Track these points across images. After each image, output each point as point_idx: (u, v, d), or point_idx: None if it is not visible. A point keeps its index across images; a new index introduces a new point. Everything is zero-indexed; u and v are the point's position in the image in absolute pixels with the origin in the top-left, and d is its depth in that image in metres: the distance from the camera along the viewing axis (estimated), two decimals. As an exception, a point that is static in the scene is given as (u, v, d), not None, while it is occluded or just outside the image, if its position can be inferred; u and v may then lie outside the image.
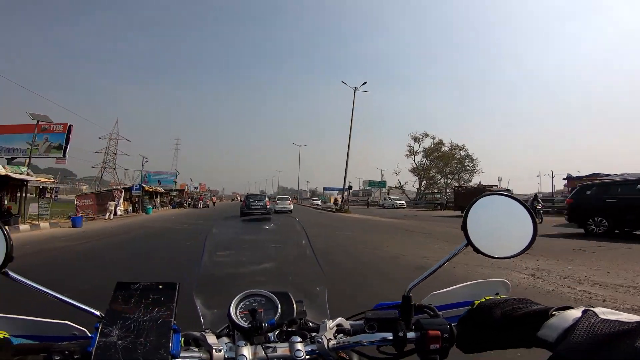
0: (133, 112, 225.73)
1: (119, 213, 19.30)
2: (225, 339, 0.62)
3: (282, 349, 0.60)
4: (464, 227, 0.64)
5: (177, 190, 39.14)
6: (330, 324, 0.61)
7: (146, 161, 41.24)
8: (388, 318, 0.61)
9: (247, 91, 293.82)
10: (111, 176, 56.30)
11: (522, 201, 0.64)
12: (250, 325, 0.63)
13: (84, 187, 45.72)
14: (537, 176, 42.89)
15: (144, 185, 24.50)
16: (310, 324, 0.70)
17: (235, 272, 0.89)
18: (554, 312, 0.47)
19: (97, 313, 0.59)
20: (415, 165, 47.00)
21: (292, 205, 24.68)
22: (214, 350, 0.57)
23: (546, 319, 0.47)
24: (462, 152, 45.67)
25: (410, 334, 0.57)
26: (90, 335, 0.59)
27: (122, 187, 23.39)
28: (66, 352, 0.55)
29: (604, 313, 0.44)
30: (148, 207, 22.90)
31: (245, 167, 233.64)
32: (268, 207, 18.23)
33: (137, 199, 22.48)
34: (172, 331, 0.54)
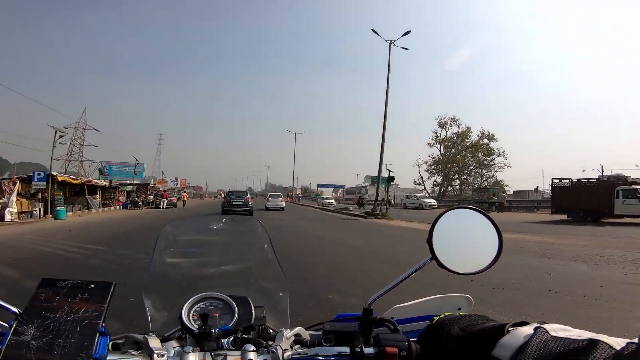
0: (116, 107, 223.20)
1: (8, 217, 13.38)
2: (174, 343, 0.61)
3: (233, 357, 0.58)
4: (429, 241, 0.65)
5: (137, 184, 32.52)
6: (288, 333, 0.61)
7: (137, 163, 38.19)
8: (347, 331, 0.60)
9: (236, 85, 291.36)
10: (77, 169, 52.91)
11: (489, 215, 0.66)
12: (198, 330, 0.61)
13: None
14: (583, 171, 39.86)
15: (55, 174, 18.09)
16: (271, 330, 0.69)
17: (192, 273, 0.87)
18: (509, 328, 0.49)
19: (15, 310, 0.56)
20: (437, 156, 42.71)
21: (284, 203, 25.20)
22: (155, 355, 0.55)
23: (501, 336, 0.49)
24: (490, 144, 40.88)
25: (368, 350, 0.57)
26: (1, 332, 0.55)
27: (16, 177, 16.87)
28: None
29: (555, 330, 0.46)
30: (59, 209, 16.10)
31: (234, 164, 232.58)
32: (250, 203, 18.16)
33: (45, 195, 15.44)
34: (99, 333, 0.52)
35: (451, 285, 3.32)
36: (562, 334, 0.45)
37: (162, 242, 0.86)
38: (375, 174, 27.40)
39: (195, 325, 0.63)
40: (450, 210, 0.67)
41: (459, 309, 0.70)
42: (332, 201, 32.33)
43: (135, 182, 31.70)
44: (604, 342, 0.42)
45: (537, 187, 33.79)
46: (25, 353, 0.50)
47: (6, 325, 0.57)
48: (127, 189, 28.88)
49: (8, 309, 0.57)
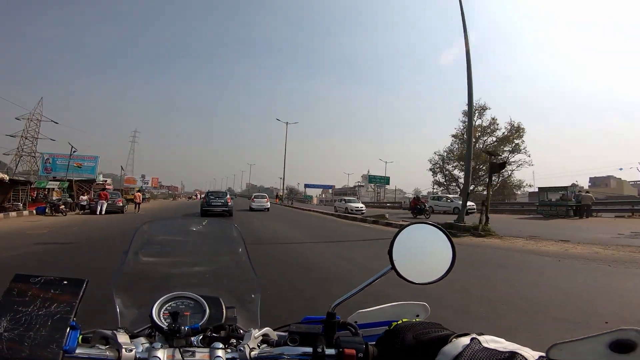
0: (89, 103, 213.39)
1: None
2: (142, 339, 0.64)
3: (202, 354, 0.62)
4: (389, 252, 0.72)
5: (79, 181, 26.17)
6: (256, 333, 0.66)
7: (74, 151, 30.82)
8: (311, 333, 0.66)
9: (217, 82, 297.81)
10: (29, 165, 47.19)
11: (445, 230, 0.74)
12: (168, 327, 0.65)
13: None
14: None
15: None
16: (241, 331, 0.73)
17: (165, 272, 0.91)
18: (453, 339, 0.55)
19: None
20: (459, 150, 36.22)
21: (269, 204, 25.47)
22: (123, 350, 0.59)
23: (445, 344, 0.54)
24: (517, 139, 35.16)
25: (330, 351, 0.62)
26: None
27: None
28: None
29: (487, 341, 0.52)
30: None
31: (213, 164, 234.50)
32: (229, 204, 18.41)
33: None
34: (69, 327, 0.55)
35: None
36: (492, 345, 0.51)
37: (137, 240, 0.89)
38: (372, 173, 26.02)
39: (165, 323, 0.67)
40: (410, 225, 0.75)
41: (417, 315, 0.77)
42: (362, 206, 24.85)
43: (80, 177, 27.52)
44: (521, 355, 0.47)
45: (575, 182, 30.19)
46: None
47: None
48: (50, 186, 22.20)
49: None
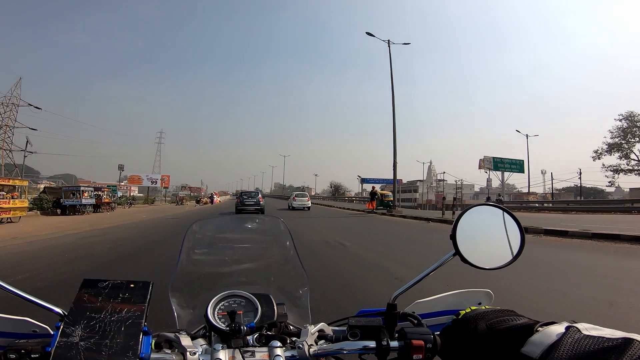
0: (115, 108, 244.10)
1: None
2: (201, 341, 0.67)
3: (261, 353, 0.64)
4: (452, 237, 0.71)
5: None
6: (312, 329, 0.68)
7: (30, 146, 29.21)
8: (371, 326, 0.66)
9: (240, 87, 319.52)
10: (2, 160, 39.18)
11: (511, 212, 0.73)
12: (228, 327, 0.68)
13: None
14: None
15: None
16: (292, 327, 0.77)
17: (215, 271, 0.95)
18: (539, 328, 0.53)
19: (60, 311, 0.62)
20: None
21: (310, 202, 27.63)
22: (188, 353, 0.61)
23: (530, 334, 0.53)
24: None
25: (394, 343, 0.63)
26: (50, 333, 0.62)
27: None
28: (22, 351, 0.57)
29: (587, 329, 0.49)
30: None
31: (239, 165, 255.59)
32: (261, 203, 22.15)
33: None
34: (142, 333, 0.58)
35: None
36: (594, 333, 0.47)
37: (188, 241, 0.95)
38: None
39: (219, 323, 0.70)
40: (473, 207, 0.74)
41: (479, 303, 0.75)
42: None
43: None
44: (638, 341, 0.43)
45: None
46: (75, 354, 0.53)
47: (46, 327, 0.63)
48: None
49: (53, 311, 0.62)
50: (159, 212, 24.02)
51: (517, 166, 36.23)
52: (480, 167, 35.62)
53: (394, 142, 22.85)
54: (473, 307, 0.66)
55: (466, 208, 0.74)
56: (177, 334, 0.64)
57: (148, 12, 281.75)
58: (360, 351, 0.64)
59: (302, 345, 0.62)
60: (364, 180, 60.45)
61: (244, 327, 0.67)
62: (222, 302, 0.76)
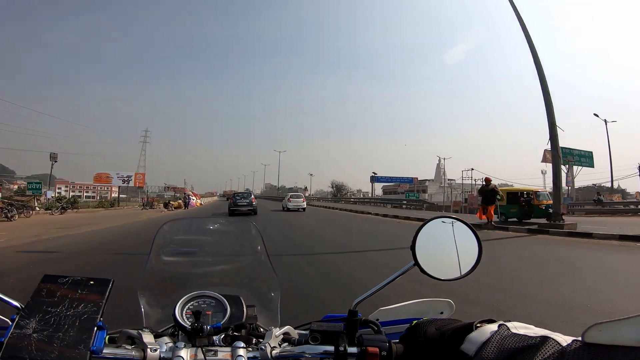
0: (102, 107, 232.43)
1: None
2: (166, 339, 0.70)
3: (224, 353, 0.67)
4: (412, 248, 0.75)
5: None
6: (277, 331, 0.72)
7: None
8: (332, 331, 0.70)
9: (230, 87, 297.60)
10: None
11: (470, 224, 0.77)
12: (191, 326, 0.71)
13: None
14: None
15: None
16: (262, 329, 0.81)
17: (186, 272, 0.99)
18: (477, 325, 0.58)
19: (17, 304, 0.65)
20: None
21: (305, 203, 27.89)
22: (148, 350, 0.64)
23: (470, 331, 0.58)
24: None
25: (352, 349, 0.67)
26: (3, 326, 0.66)
27: None
28: None
29: (516, 327, 0.54)
30: None
31: (227, 166, 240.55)
32: (254, 204, 22.80)
33: None
34: (97, 327, 0.61)
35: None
36: (521, 331, 0.53)
37: (159, 241, 0.99)
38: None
39: (187, 323, 0.73)
40: (433, 219, 0.78)
41: (441, 312, 0.80)
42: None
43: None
44: (553, 339, 0.48)
45: None
46: (27, 345, 0.56)
47: (7, 320, 0.66)
48: None
49: (10, 304, 0.65)
50: (68, 226, 15.03)
51: (586, 159, 30.98)
52: (544, 160, 29.02)
53: (546, 104, 11.99)
54: (426, 318, 0.70)
55: (425, 221, 0.77)
56: (139, 331, 0.68)
57: (137, 12, 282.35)
58: (320, 355, 0.67)
59: (265, 347, 0.66)
60: (376, 179, 55.11)
61: (207, 327, 0.70)
62: (192, 302, 0.79)
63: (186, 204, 34.78)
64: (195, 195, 43.41)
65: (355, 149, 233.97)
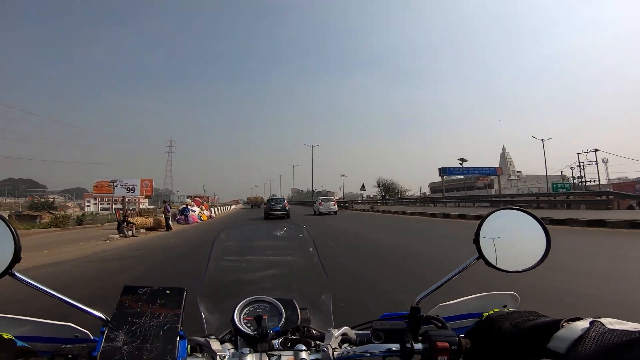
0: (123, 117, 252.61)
1: None
2: (228, 345, 0.72)
3: (287, 357, 0.68)
4: (476, 241, 0.75)
5: None
6: (336, 332, 0.72)
7: None
8: (395, 329, 0.71)
9: (250, 92, 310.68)
10: None
11: (535, 215, 0.77)
12: (254, 331, 0.73)
13: None
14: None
15: None
16: (315, 332, 0.83)
17: (240, 278, 1.03)
18: (564, 324, 0.56)
19: (103, 317, 0.67)
20: None
21: (336, 207, 29.79)
22: (217, 357, 0.67)
23: (555, 330, 0.57)
24: None
25: (418, 346, 0.68)
26: (93, 338, 0.70)
27: None
28: (70, 356, 0.62)
29: (611, 323, 0.53)
30: None
31: (250, 173, 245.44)
32: (287, 208, 25.57)
33: None
34: (178, 337, 0.64)
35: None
36: (618, 327, 0.51)
37: (216, 249, 1.04)
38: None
39: (245, 327, 0.76)
40: (496, 210, 0.78)
41: (505, 306, 0.78)
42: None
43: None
44: None
45: None
46: (119, 358, 0.59)
47: (86, 332, 0.69)
48: None
49: (97, 316, 0.67)
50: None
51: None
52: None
53: None
54: (496, 310, 0.71)
55: (489, 212, 0.78)
56: (206, 338, 0.71)
57: (155, 25, 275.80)
58: (385, 354, 0.68)
59: (327, 348, 0.67)
60: (447, 171, 47.05)
61: (269, 331, 0.72)
62: (248, 307, 0.82)
63: (185, 219, 22.87)
64: (198, 202, 30.61)
65: (372, 151, 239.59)
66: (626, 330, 0.48)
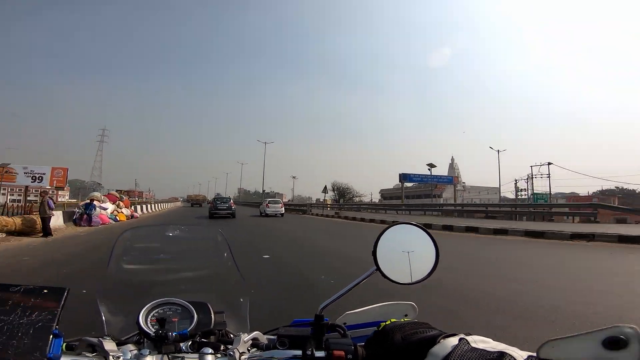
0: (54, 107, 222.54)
1: None
2: (130, 347, 0.71)
3: (191, 359, 0.70)
4: (374, 253, 0.80)
5: None
6: (246, 337, 0.74)
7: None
8: (300, 335, 0.73)
9: (198, 88, 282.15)
10: None
11: (427, 230, 0.83)
12: (155, 333, 0.73)
13: None
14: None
15: None
16: (232, 335, 0.82)
17: (150, 279, 1.00)
18: (440, 339, 0.61)
19: None
20: None
21: (283, 209, 29.33)
22: (110, 357, 0.66)
23: (433, 345, 0.61)
24: None
25: (319, 353, 0.70)
26: None
27: None
28: None
29: (475, 341, 0.58)
30: None
31: (193, 170, 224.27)
32: (233, 207, 25.35)
33: None
34: (52, 335, 0.62)
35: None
36: (480, 346, 0.56)
37: (119, 248, 1.01)
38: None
39: (152, 330, 0.75)
40: (393, 225, 0.83)
41: (406, 315, 0.85)
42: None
43: None
44: (510, 355, 0.52)
45: None
46: None
47: None
48: None
49: None
50: None
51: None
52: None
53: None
54: (394, 320, 0.75)
55: (386, 227, 0.83)
56: (100, 338, 0.69)
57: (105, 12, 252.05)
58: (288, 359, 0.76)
59: (234, 352, 0.68)
60: (408, 178, 45.70)
61: (172, 333, 0.72)
62: (157, 310, 0.81)
63: (85, 219, 16.56)
64: (115, 199, 23.06)
65: (323, 155, 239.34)
66: (485, 350, 0.54)
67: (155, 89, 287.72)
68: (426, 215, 26.88)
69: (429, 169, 47.89)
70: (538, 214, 21.30)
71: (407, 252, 0.79)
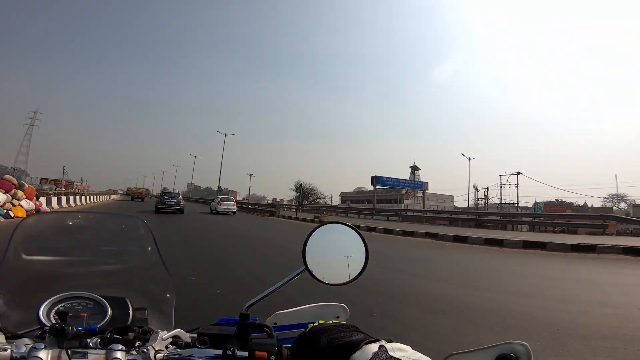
0: None
1: None
2: (26, 340, 0.68)
3: (95, 356, 0.66)
4: (303, 252, 0.80)
5: None
6: (165, 334, 0.73)
7: None
8: (222, 334, 0.72)
9: (154, 78, 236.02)
10: None
11: (357, 230, 0.83)
12: (50, 327, 0.69)
13: None
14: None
15: None
16: (154, 333, 0.81)
17: (60, 271, 0.94)
18: (362, 345, 0.63)
19: None
20: None
21: (235, 207, 28.90)
22: None
23: (355, 350, 0.62)
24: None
25: (242, 353, 0.69)
26: None
27: None
28: None
29: (393, 349, 0.59)
30: None
31: (138, 161, 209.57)
32: (181, 203, 24.98)
33: None
34: None
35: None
36: (397, 354, 0.58)
37: (18, 236, 0.94)
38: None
39: (50, 323, 0.74)
40: (324, 224, 0.82)
41: (337, 317, 0.85)
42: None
43: None
44: None
45: None
46: None
47: None
48: None
49: None
50: None
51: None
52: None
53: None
54: (322, 321, 0.75)
55: (316, 226, 0.82)
56: None
57: None
58: (207, 359, 0.69)
59: (147, 349, 0.66)
60: (380, 181, 44.44)
61: (72, 328, 0.67)
62: (64, 304, 0.78)
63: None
64: (10, 188, 14.19)
65: (284, 155, 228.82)
66: (400, 359, 0.56)
67: (109, 73, 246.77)
68: (407, 222, 24.75)
69: (413, 172, 48.79)
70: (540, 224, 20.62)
71: (337, 252, 0.78)
